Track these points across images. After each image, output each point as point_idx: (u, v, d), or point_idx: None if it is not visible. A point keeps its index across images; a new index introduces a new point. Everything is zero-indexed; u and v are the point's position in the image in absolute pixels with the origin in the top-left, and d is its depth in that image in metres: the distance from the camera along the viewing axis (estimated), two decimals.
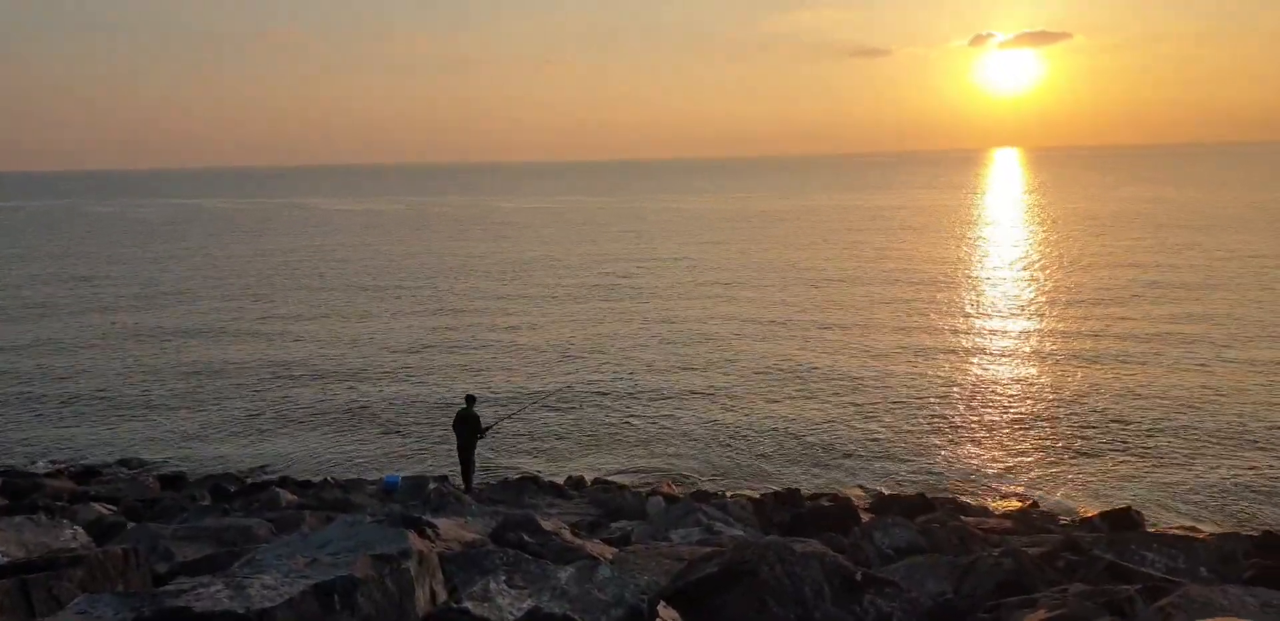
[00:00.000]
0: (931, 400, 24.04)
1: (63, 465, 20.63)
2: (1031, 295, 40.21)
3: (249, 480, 19.13)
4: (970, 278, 46.29)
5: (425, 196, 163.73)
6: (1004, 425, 21.99)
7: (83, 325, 37.81)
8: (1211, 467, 18.64)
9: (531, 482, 18.32)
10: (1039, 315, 35.46)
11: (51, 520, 8.64)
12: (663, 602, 6.75)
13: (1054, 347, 29.64)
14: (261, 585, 5.82)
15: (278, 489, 16.73)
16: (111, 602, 5.65)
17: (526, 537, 9.00)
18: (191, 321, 38.17)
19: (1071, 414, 22.48)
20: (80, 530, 8.52)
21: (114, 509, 15.40)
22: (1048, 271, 47.32)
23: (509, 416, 20.28)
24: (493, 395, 24.81)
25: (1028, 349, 29.80)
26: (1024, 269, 48.89)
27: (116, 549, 7.38)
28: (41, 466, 20.51)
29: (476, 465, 18.13)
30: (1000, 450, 20.32)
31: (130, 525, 12.68)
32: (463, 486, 17.60)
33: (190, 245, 74.17)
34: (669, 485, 18.10)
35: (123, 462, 20.88)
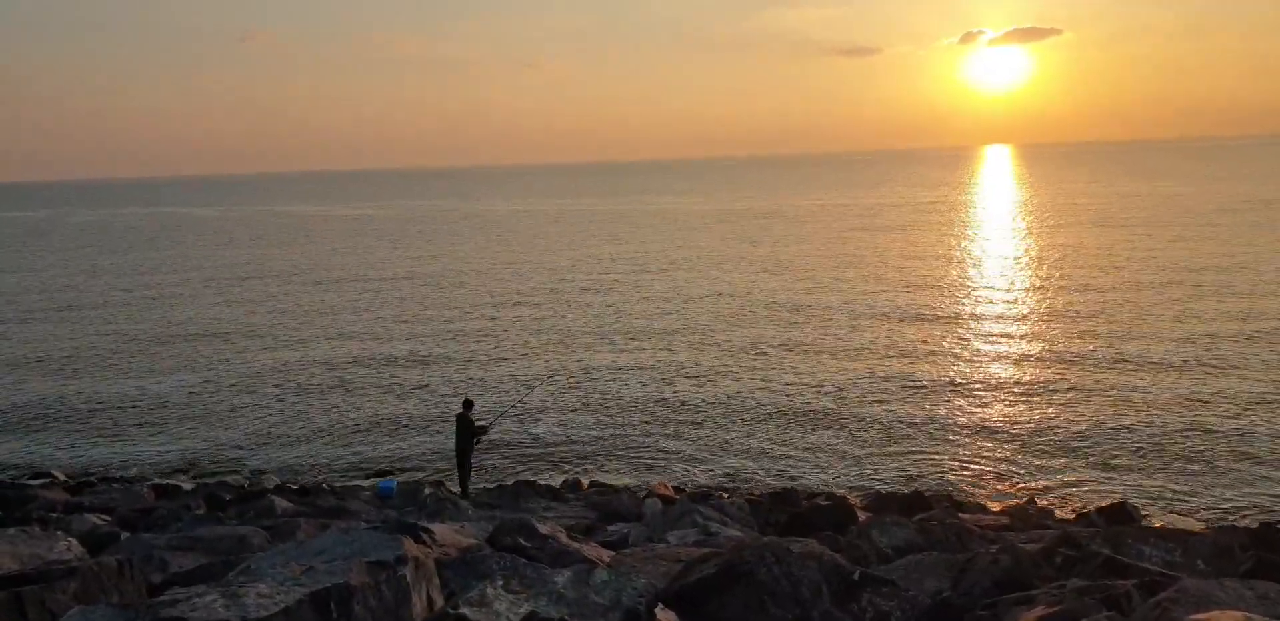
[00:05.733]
0: (926, 398, 24.07)
1: (56, 476, 20.51)
2: (1024, 293, 40.32)
3: (244, 488, 19.06)
4: (962, 275, 46.39)
5: (413, 200, 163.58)
6: (998, 422, 22.03)
7: (69, 335, 37.64)
8: (1206, 461, 18.70)
9: (527, 486, 18.29)
10: (1031, 312, 35.55)
11: (45, 531, 8.58)
12: (660, 605, 6.73)
13: (1047, 344, 29.71)
14: (257, 594, 5.79)
15: (273, 496, 16.66)
16: (106, 614, 5.61)
17: (523, 542, 8.97)
18: (181, 330, 38.04)
19: (1065, 409, 22.54)
20: (74, 541, 8.46)
21: (108, 519, 15.30)
22: (1039, 268, 47.46)
23: (497, 418, 20.11)
24: (492, 399, 24.74)
25: (1021, 346, 29.87)
26: (1015, 266, 49.02)
27: (110, 560, 7.34)
28: (35, 477, 20.39)
29: (473, 469, 18.08)
30: (996, 447, 20.35)
31: (124, 535, 12.61)
32: (459, 491, 17.55)
33: (175, 253, 73.93)
34: (665, 487, 18.09)
35: (117, 473, 20.79)
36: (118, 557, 7.49)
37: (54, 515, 15.69)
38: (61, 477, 20.36)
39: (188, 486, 19.42)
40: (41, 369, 31.37)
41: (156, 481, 19.90)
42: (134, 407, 26.09)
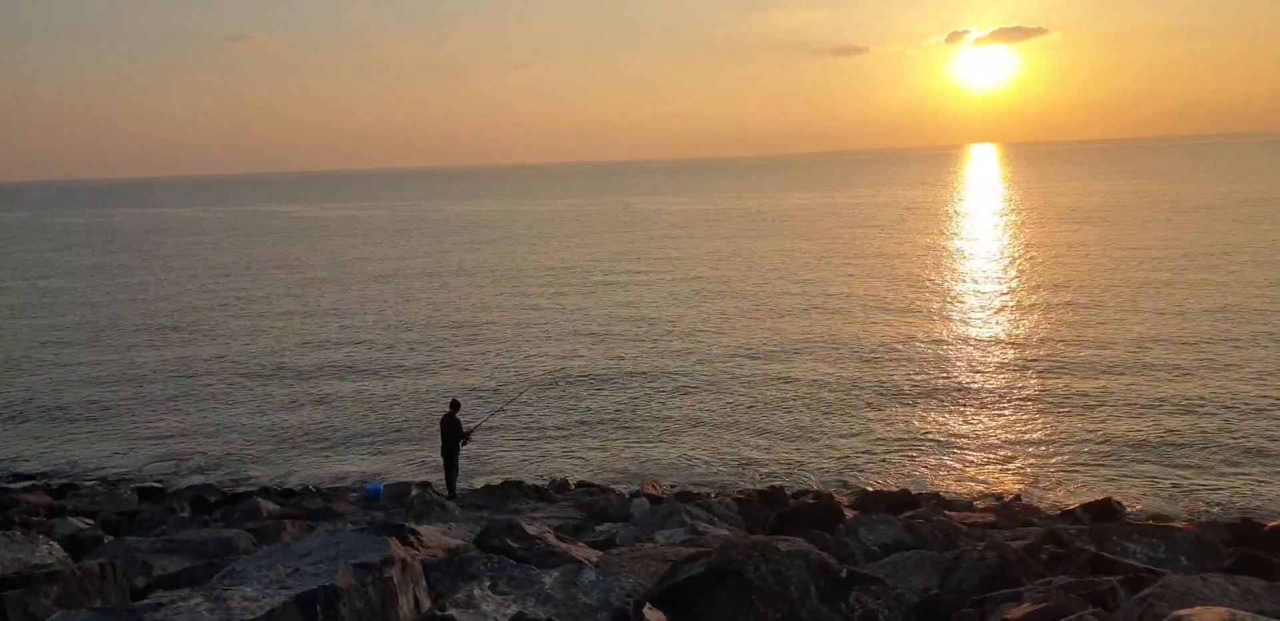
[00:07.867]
0: (912, 396, 24.13)
1: (38, 479, 20.33)
2: (1010, 291, 40.49)
3: (229, 490, 18.94)
4: (949, 274, 46.56)
5: (407, 201, 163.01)
6: (984, 420, 22.10)
7: (55, 338, 37.35)
8: (1191, 457, 18.81)
9: (515, 487, 18.24)
10: (1017, 311, 35.71)
11: (27, 535, 8.51)
12: (648, 605, 6.72)
13: (1032, 343, 29.83)
14: (242, 597, 5.76)
15: (258, 499, 16.59)
16: (89, 619, 5.57)
17: (511, 542, 8.95)
18: (167, 332, 37.79)
19: (1050, 406, 22.63)
20: (56, 545, 8.39)
21: (91, 523, 15.21)
22: (1025, 267, 47.67)
23: (485, 419, 20.02)
24: (479, 401, 24.66)
25: (1005, 346, 29.98)
26: (1002, 265, 49.22)
27: (93, 564, 7.30)
28: (17, 481, 20.21)
29: (460, 470, 18.00)
30: (982, 444, 20.42)
31: (108, 539, 12.54)
32: (446, 492, 17.49)
33: (166, 255, 73.46)
34: (653, 486, 18.07)
35: (101, 476, 20.62)
36: (101, 561, 7.45)
37: (36, 519, 15.58)
38: (44, 481, 20.19)
39: (172, 489, 19.29)
40: (24, 373, 31.11)
41: (140, 484, 19.75)
42: (118, 410, 25.90)
